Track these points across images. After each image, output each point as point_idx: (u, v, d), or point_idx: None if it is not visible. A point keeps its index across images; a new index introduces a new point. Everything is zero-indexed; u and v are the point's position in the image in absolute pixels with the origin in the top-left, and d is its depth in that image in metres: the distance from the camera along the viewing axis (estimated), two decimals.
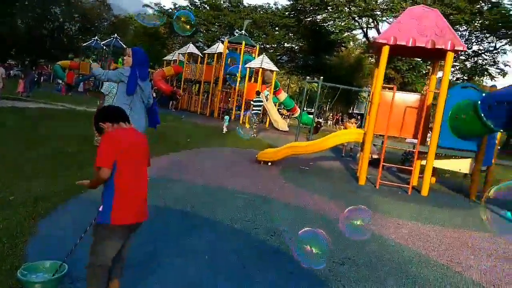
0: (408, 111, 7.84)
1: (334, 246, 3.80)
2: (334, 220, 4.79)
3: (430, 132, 8.37)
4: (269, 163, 8.40)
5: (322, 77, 15.41)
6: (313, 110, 43.97)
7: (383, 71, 7.50)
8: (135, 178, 2.17)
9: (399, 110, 7.73)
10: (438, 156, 7.85)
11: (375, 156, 9.83)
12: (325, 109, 56.12)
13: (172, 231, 3.70)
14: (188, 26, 4.67)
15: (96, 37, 31.60)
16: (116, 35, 29.69)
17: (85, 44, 31.56)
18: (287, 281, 2.97)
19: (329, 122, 35.59)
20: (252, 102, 15.72)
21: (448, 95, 7.12)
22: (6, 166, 5.12)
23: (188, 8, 44.36)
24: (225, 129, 14.64)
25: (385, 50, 7.23)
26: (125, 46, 29.39)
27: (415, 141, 7.87)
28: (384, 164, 7.66)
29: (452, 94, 7.22)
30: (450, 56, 7.06)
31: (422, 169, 7.87)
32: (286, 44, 45.82)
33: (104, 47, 28.54)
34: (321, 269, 3.25)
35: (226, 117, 15.38)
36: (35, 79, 24.57)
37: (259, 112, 15.56)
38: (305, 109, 35.90)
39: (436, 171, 8.67)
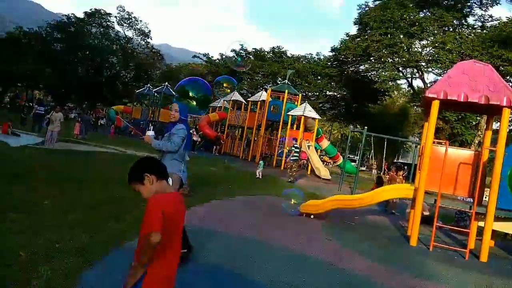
0: (462, 167, 7.37)
1: None
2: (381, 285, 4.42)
3: (486, 189, 7.78)
4: (311, 216, 8.12)
5: (366, 127, 15.16)
6: (355, 157, 43.08)
7: (434, 125, 7.19)
8: (172, 247, 2.06)
9: (452, 166, 7.29)
10: (497, 218, 7.21)
11: (425, 213, 9.23)
12: (368, 156, 54.84)
13: None
14: (228, 90, 5.22)
15: (149, 85, 33.57)
16: (167, 83, 31.39)
17: (138, 91, 33.60)
18: None
19: (373, 171, 34.45)
20: (292, 148, 15.87)
21: (505, 153, 6.65)
22: (53, 211, 5.29)
23: (234, 58, 46.39)
24: (258, 174, 14.78)
25: (435, 105, 6.98)
26: (174, 93, 30.98)
27: (469, 199, 7.31)
28: (438, 224, 7.13)
29: (510, 152, 6.73)
30: (506, 112, 6.66)
31: (479, 231, 7.24)
32: (328, 92, 46.16)
33: (156, 94, 30.17)
34: None
35: (261, 162, 15.57)
36: (91, 122, 26.30)
37: (297, 158, 15.60)
38: (348, 156, 35.30)
39: (494, 233, 7.93)
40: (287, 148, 19.01)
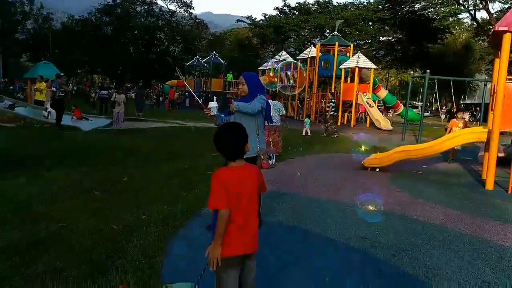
0: None
1: (467, 266, 3.43)
2: (461, 235, 4.32)
3: None
4: (377, 169, 7.99)
5: (428, 71, 14.18)
6: (416, 103, 40.71)
7: (506, 61, 6.56)
8: (244, 215, 2.12)
9: None
10: None
11: (500, 155, 8.64)
12: (431, 101, 51.56)
13: (296, 250, 3.72)
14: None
15: (197, 56, 33.98)
16: (214, 52, 31.57)
17: (188, 63, 34.22)
18: None
19: (442, 116, 32.36)
20: (329, 104, 15.60)
21: None
22: (133, 188, 5.75)
23: (277, 16, 45.07)
24: (305, 133, 14.88)
25: (507, 39, 6.32)
26: (223, 62, 31.17)
27: None
28: None
29: None
30: None
31: None
32: (381, 38, 43.53)
33: (205, 64, 30.56)
34: None
35: (307, 120, 15.68)
36: (145, 99, 27.53)
37: (333, 113, 15.65)
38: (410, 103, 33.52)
39: None
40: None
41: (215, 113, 3.76)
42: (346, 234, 4.19)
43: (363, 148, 8.23)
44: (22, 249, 3.43)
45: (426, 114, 42.25)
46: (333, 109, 15.42)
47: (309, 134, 14.89)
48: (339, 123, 21.81)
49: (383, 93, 24.87)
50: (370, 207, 3.95)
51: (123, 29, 47.59)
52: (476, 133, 7.41)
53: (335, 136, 14.63)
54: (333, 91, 20.73)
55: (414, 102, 44.55)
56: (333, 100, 15.87)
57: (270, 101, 9.91)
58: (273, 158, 4.17)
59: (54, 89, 12.69)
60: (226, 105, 27.25)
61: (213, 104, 3.73)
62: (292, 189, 6.16)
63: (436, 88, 14.61)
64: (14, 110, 14.46)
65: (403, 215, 4.99)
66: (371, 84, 22.00)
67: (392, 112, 28.50)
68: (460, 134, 7.69)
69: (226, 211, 2.03)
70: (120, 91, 15.14)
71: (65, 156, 8.15)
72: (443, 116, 32.09)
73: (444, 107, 37.48)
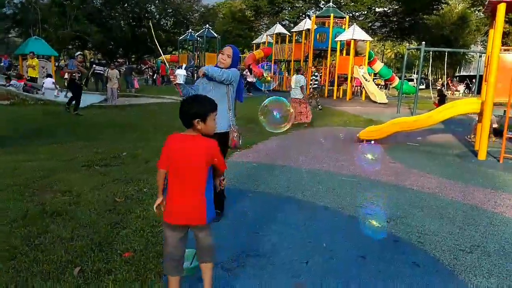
0: None
1: (459, 232, 3.59)
2: (453, 203, 4.49)
3: None
4: (372, 142, 8.12)
5: (424, 42, 14.13)
6: (412, 76, 40.59)
7: (500, 32, 6.58)
8: (181, 184, 2.19)
9: None
10: None
11: (494, 126, 8.80)
12: (426, 73, 51.41)
13: (287, 220, 3.85)
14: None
15: (190, 30, 33.35)
16: (207, 25, 30.98)
17: (181, 37, 33.62)
18: (412, 272, 2.89)
19: (438, 88, 32.27)
20: (312, 77, 15.74)
21: None
22: (133, 162, 5.83)
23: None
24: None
25: (501, 9, 6.32)
26: (216, 35, 30.65)
27: None
28: (509, 135, 6.81)
29: None
30: None
31: None
32: (377, 9, 42.80)
33: (198, 38, 30.05)
34: (447, 259, 3.10)
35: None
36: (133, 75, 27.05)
37: (317, 86, 15.70)
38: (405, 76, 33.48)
39: None
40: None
41: (181, 82, 3.31)
42: (342, 203, 4.33)
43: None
44: (31, 220, 3.53)
45: (422, 87, 42.40)
46: (316, 83, 15.52)
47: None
48: (334, 97, 21.84)
49: (378, 65, 24.81)
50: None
51: (113, 2, 46.29)
52: (471, 104, 7.50)
53: (319, 109, 14.76)
54: (316, 64, 20.73)
55: (410, 75, 44.45)
56: (316, 74, 16.02)
57: (294, 77, 10.31)
58: (240, 139, 3.91)
59: (69, 70, 11.35)
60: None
61: (180, 72, 3.31)
62: (289, 161, 6.28)
63: (431, 60, 14.57)
64: (8, 87, 14.27)
65: (397, 185, 5.15)
66: (366, 57, 21.89)
67: (388, 85, 28.48)
68: (455, 105, 7.79)
69: (162, 171, 2.24)
70: (112, 67, 14.99)
71: (61, 131, 8.17)
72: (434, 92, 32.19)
73: (440, 81, 37.43)
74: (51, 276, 2.66)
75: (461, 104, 7.68)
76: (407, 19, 40.66)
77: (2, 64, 33.78)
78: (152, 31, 4.74)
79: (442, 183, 5.27)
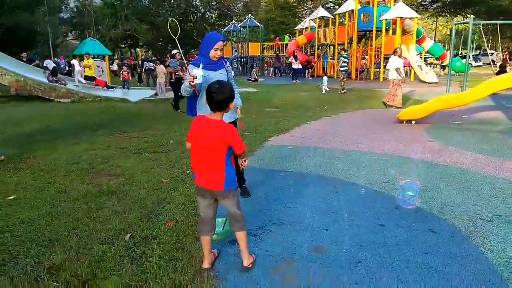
0: None
1: (484, 204, 3.67)
2: (484, 177, 4.49)
3: None
4: (413, 122, 8.04)
5: (472, 16, 13.38)
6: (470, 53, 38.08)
7: None
8: (199, 156, 2.60)
9: None
10: None
11: None
12: (486, 48, 47.81)
13: (315, 194, 4.13)
14: None
15: (233, 21, 33.83)
16: (250, 15, 31.25)
17: (225, 29, 34.22)
18: (427, 238, 3.07)
19: (497, 64, 30.15)
20: (341, 59, 15.81)
21: None
22: (179, 148, 6.36)
23: None
24: (323, 90, 15.31)
25: None
26: (258, 24, 30.86)
27: None
28: None
29: None
30: None
31: None
32: None
33: (241, 29, 30.44)
34: (465, 227, 3.23)
35: (325, 78, 16.02)
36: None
37: (346, 69, 15.76)
38: (460, 54, 31.52)
39: None
40: None
41: (200, 82, 3.29)
42: (370, 179, 4.51)
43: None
44: (91, 198, 4.13)
45: (478, 64, 39.60)
46: (345, 65, 15.54)
47: (327, 90, 15.39)
48: (381, 79, 21.28)
49: (428, 43, 23.71)
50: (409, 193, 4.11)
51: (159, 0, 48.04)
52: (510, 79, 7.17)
53: (343, 92, 14.84)
54: (346, 48, 20.28)
55: (467, 52, 41.60)
56: (344, 55, 15.90)
57: (390, 58, 10.43)
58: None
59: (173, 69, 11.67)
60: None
61: (198, 72, 3.26)
62: (323, 144, 6.49)
63: (482, 34, 13.75)
64: (67, 85, 15.64)
65: (431, 161, 5.19)
66: (414, 35, 21.02)
67: (439, 64, 27.10)
68: (494, 81, 7.47)
69: (187, 143, 2.68)
70: (159, 63, 15.86)
71: (116, 124, 8.97)
72: (496, 65, 29.92)
73: (498, 56, 34.72)
74: (107, 241, 3.18)
75: (503, 80, 7.36)
76: None
77: (61, 65, 36.60)
78: (168, 28, 4.18)
79: (476, 159, 5.23)
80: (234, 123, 3.83)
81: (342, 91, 14.94)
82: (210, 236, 2.76)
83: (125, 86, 18.22)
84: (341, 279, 2.54)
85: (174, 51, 13.39)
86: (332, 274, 2.59)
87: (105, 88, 17.22)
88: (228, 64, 3.75)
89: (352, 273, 2.60)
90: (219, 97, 2.50)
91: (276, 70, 28.11)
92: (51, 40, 36.17)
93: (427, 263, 2.69)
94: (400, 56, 10.63)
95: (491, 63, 26.45)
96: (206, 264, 2.74)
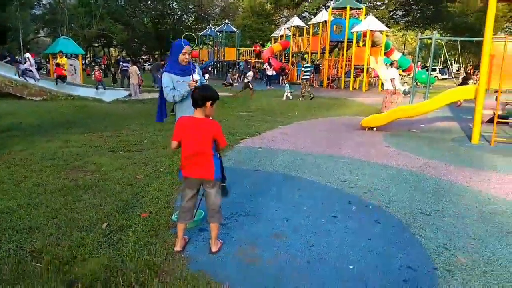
0: None
1: (426, 201, 4.17)
2: (430, 178, 5.03)
3: None
4: (374, 129, 8.62)
5: (435, 32, 14.31)
6: (436, 66, 39.81)
7: (492, 21, 6.94)
8: (189, 150, 2.92)
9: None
10: None
11: (499, 112, 9.11)
12: (452, 63, 50.17)
13: (279, 190, 4.52)
14: None
15: (210, 25, 34.14)
16: (227, 20, 31.66)
17: (201, 33, 34.45)
18: (372, 227, 3.52)
19: (460, 78, 31.84)
20: (302, 69, 16.87)
21: None
22: (152, 147, 6.62)
23: None
24: (285, 97, 15.92)
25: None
26: (235, 30, 31.32)
27: None
28: (500, 120, 7.21)
29: None
30: None
31: None
32: None
33: (218, 33, 30.79)
34: (406, 219, 3.70)
35: (287, 85, 16.81)
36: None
37: (308, 77, 16.76)
38: (420, 67, 32.99)
39: None
40: None
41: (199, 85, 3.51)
42: (330, 178, 4.96)
43: None
44: (68, 191, 4.35)
45: (444, 76, 41.56)
46: (306, 74, 16.53)
47: (290, 97, 16.00)
48: (351, 89, 22.15)
49: (396, 55, 24.82)
50: None
51: (136, 0, 47.74)
52: (469, 91, 7.84)
53: (311, 98, 15.83)
54: (305, 57, 21.91)
55: (434, 64, 43.59)
56: (307, 65, 16.98)
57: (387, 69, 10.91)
58: None
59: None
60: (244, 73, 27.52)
61: (197, 77, 3.72)
62: (291, 146, 6.92)
63: (444, 49, 14.70)
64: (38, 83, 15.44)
65: (385, 165, 5.71)
66: (382, 47, 22.04)
67: (405, 76, 28.40)
68: (454, 92, 8.17)
69: (174, 142, 2.97)
70: (131, 64, 16.01)
71: (90, 122, 9.09)
72: (459, 79, 31.69)
73: (462, 68, 36.71)
74: (85, 229, 3.44)
75: (458, 92, 8.07)
76: (429, 7, 40.00)
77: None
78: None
79: (427, 163, 5.80)
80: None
81: (309, 97, 15.86)
82: (186, 224, 3.09)
83: (98, 87, 17.98)
84: (296, 259, 2.93)
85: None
86: (288, 255, 2.98)
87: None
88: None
89: (305, 254, 3.00)
90: (200, 92, 2.90)
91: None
92: (21, 37, 35.19)
93: (369, 246, 3.13)
94: (397, 68, 11.28)
95: (452, 76, 28.07)
96: (178, 247, 3.06)
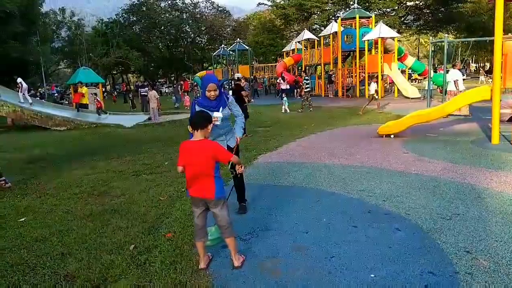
0: None
1: (446, 205, 4.17)
2: (450, 183, 5.00)
3: None
4: (392, 136, 8.60)
5: (447, 35, 14.24)
6: (448, 68, 39.40)
7: (500, 21, 6.92)
8: (193, 172, 3.07)
9: None
10: None
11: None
12: (469, 62, 49.25)
13: (298, 203, 4.60)
14: None
15: (223, 45, 34.88)
16: (238, 39, 32.28)
17: (214, 53, 35.18)
18: (393, 235, 3.54)
19: (480, 77, 31.26)
20: (304, 81, 17.05)
21: None
22: (173, 169, 6.81)
23: None
24: (284, 110, 16.23)
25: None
26: (247, 47, 31.85)
27: None
28: None
29: None
30: None
31: None
32: (408, 3, 42.14)
33: (231, 52, 31.39)
34: (426, 224, 3.71)
35: (285, 98, 17.11)
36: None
37: (309, 89, 17.08)
38: (443, 69, 32.59)
39: None
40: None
41: (219, 123, 3.89)
42: (347, 188, 5.01)
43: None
44: (96, 217, 4.55)
45: (463, 77, 40.84)
46: (308, 86, 16.78)
47: (288, 111, 16.18)
48: (366, 96, 22.04)
49: (409, 60, 24.69)
50: None
51: (150, 26, 49.32)
52: (482, 92, 7.78)
53: (310, 110, 16.07)
54: (305, 70, 22.34)
55: (451, 66, 42.80)
56: (306, 78, 17.17)
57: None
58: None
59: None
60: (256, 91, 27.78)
61: (219, 115, 3.89)
62: (308, 159, 6.99)
63: (457, 50, 14.55)
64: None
65: (403, 171, 5.71)
66: (395, 53, 21.98)
67: (422, 79, 28.10)
68: (470, 94, 8.11)
69: (180, 167, 3.16)
70: (150, 89, 16.50)
71: (113, 149, 9.41)
72: (482, 78, 31.17)
73: (482, 67, 36.10)
74: (114, 252, 3.60)
75: (473, 93, 8.00)
76: (440, 10, 39.73)
77: (55, 93, 37.10)
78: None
79: (446, 168, 5.76)
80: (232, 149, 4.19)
81: (309, 110, 16.16)
82: (203, 242, 3.21)
83: (100, 113, 18.13)
84: (317, 270, 2.99)
85: (237, 75, 14.21)
86: (309, 267, 3.05)
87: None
88: (230, 99, 4.18)
89: (326, 265, 3.06)
90: (201, 115, 3.16)
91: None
92: (43, 69, 36.76)
93: (390, 254, 3.16)
94: (460, 69, 11.26)
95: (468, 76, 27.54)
96: (202, 265, 3.18)
